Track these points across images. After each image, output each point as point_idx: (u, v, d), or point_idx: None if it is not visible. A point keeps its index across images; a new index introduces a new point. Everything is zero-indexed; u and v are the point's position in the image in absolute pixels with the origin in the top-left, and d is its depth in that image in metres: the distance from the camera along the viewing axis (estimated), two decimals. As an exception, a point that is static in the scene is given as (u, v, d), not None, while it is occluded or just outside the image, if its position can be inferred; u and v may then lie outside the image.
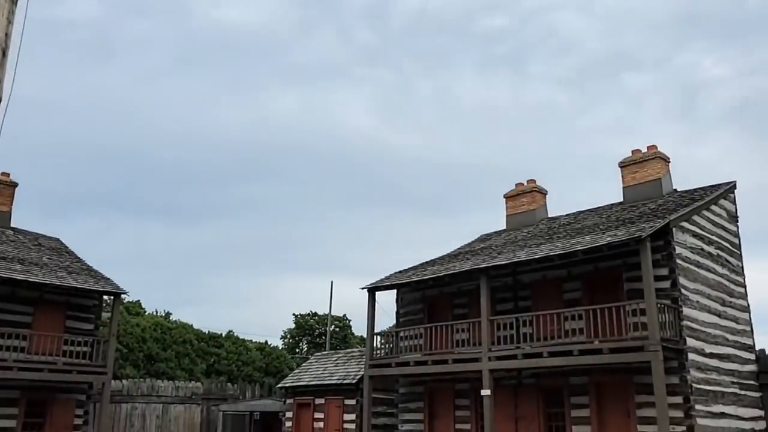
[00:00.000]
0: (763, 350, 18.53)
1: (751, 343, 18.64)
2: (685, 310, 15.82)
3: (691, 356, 15.51)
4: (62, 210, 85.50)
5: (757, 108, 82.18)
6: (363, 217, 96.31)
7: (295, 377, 25.11)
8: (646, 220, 16.94)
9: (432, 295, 21.41)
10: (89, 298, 21.43)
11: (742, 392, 17.31)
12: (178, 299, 78.93)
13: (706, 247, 17.77)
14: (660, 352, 14.32)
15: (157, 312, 39.92)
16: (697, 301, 16.52)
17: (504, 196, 24.69)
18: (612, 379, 16.54)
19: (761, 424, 17.70)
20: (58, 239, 24.77)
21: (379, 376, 20.41)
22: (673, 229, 16.21)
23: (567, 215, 22.83)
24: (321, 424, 22.88)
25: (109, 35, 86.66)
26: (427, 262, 22.62)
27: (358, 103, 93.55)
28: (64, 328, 20.53)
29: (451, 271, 18.94)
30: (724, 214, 19.30)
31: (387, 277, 21.77)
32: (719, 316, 17.38)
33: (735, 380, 17.17)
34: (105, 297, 22.44)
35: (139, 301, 39.36)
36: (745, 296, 19.16)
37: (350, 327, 51.58)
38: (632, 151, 20.95)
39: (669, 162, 20.77)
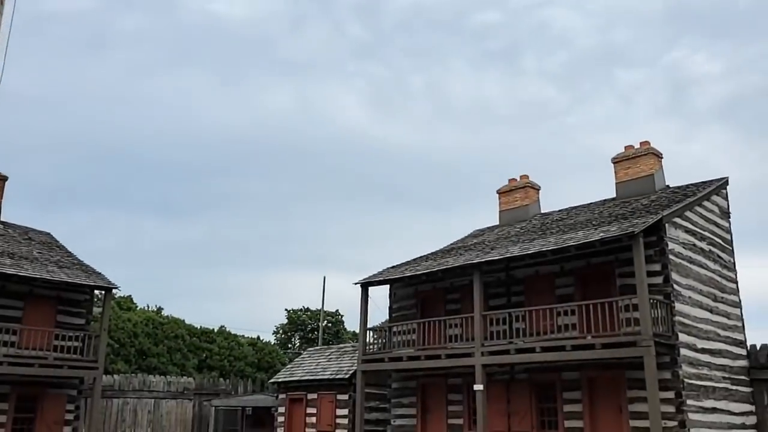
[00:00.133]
0: (754, 346, 18.62)
1: (743, 339, 18.73)
2: (678, 306, 15.87)
3: (683, 351, 15.57)
4: (53, 205, 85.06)
5: (748, 104, 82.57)
6: (355, 212, 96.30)
7: (288, 372, 25.08)
8: (638, 216, 16.98)
9: (425, 291, 21.42)
10: (80, 292, 21.30)
11: (734, 387, 17.40)
12: (169, 294, 78.79)
13: (698, 242, 17.83)
14: (652, 348, 14.36)
15: (148, 307, 39.77)
16: (689, 297, 16.58)
17: (497, 192, 24.71)
18: (604, 374, 16.59)
19: (752, 419, 17.81)
20: (48, 233, 24.61)
21: (372, 371, 20.41)
22: (666, 224, 16.25)
23: (560, 211, 22.87)
24: (313, 419, 22.88)
25: (100, 29, 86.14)
26: (420, 258, 22.61)
27: (351, 99, 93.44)
28: (54, 323, 20.40)
29: (444, 267, 18.94)
30: (716, 210, 19.37)
31: (380, 272, 21.75)
32: (711, 311, 17.46)
33: (726, 375, 17.26)
34: (96, 292, 22.31)
35: (130, 296, 39.20)
36: (736, 292, 19.26)
37: (343, 322, 51.59)
38: (625, 147, 21.00)
39: (662, 158, 20.84)
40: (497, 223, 24.51)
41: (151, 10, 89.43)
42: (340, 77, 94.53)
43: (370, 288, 21.19)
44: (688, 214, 17.60)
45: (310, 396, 23.20)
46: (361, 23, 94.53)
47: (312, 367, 24.21)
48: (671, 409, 14.99)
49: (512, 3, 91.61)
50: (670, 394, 15.09)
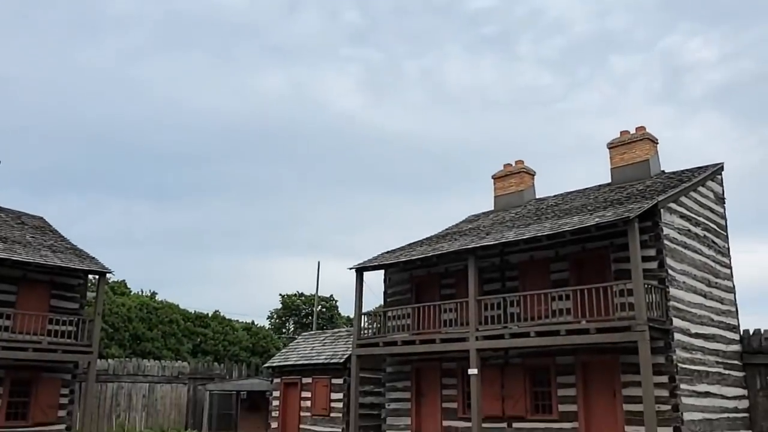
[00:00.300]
0: (747, 331, 18.73)
1: (736, 324, 18.84)
2: (672, 291, 15.92)
3: (677, 336, 15.64)
4: (46, 189, 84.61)
5: (743, 91, 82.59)
6: (349, 197, 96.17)
7: (283, 357, 25.11)
8: (634, 201, 16.98)
9: (420, 276, 21.43)
10: (74, 277, 21.22)
11: (727, 372, 17.52)
12: (163, 279, 78.72)
13: (693, 228, 17.86)
14: (647, 332, 14.41)
15: (142, 292, 39.68)
16: (684, 282, 16.63)
17: (492, 177, 24.68)
18: (598, 359, 16.66)
19: (744, 403, 17.95)
20: (41, 218, 24.47)
21: (367, 355, 20.45)
22: (661, 210, 16.26)
23: (555, 196, 22.86)
24: (308, 403, 22.93)
25: (92, 13, 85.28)
26: (414, 243, 22.61)
27: (346, 84, 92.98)
28: (48, 308, 20.34)
29: (439, 252, 18.93)
30: (711, 195, 19.40)
31: (375, 258, 21.74)
32: (705, 296, 17.52)
33: (719, 360, 17.36)
34: (90, 276, 22.23)
35: (124, 281, 39.12)
36: (730, 277, 19.33)
37: (337, 307, 51.66)
38: (621, 132, 20.97)
39: (657, 143, 20.82)
40: (492, 208, 24.50)
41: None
42: (336, 62, 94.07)
43: (365, 273, 21.19)
44: (683, 199, 17.62)
45: (305, 380, 23.25)
46: (356, 8, 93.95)
47: (307, 352, 24.25)
48: (665, 393, 15.08)
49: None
50: (664, 379, 15.17)
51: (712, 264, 18.43)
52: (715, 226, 19.17)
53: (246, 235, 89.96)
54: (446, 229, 24.16)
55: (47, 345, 18.92)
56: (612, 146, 21.08)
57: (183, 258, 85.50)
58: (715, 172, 19.62)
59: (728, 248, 19.66)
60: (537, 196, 23.86)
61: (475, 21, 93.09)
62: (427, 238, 22.91)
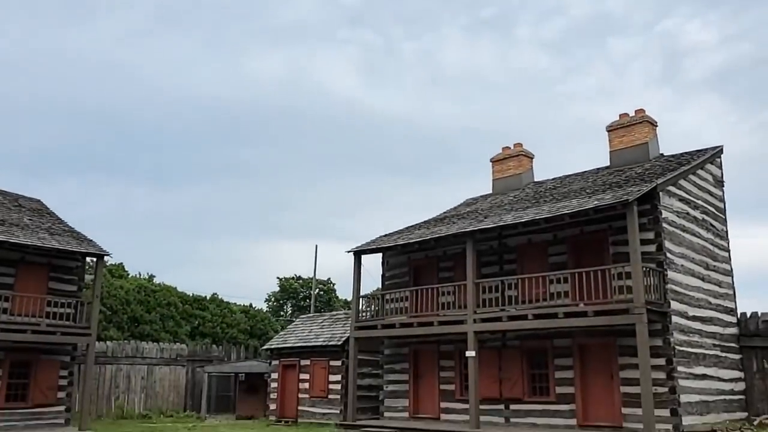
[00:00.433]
0: (744, 314, 18.82)
1: (733, 307, 18.92)
2: (670, 274, 15.95)
3: (675, 319, 15.69)
4: (42, 172, 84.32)
5: (742, 74, 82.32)
6: (347, 181, 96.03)
7: (281, 339, 25.18)
8: (633, 184, 16.96)
9: (418, 259, 21.44)
10: (72, 259, 21.19)
11: (723, 354, 17.61)
12: (161, 262, 78.71)
13: (691, 211, 17.86)
14: (644, 315, 14.46)
15: (140, 275, 39.66)
16: (682, 265, 16.66)
17: (491, 160, 24.61)
18: (596, 341, 16.72)
19: (740, 385, 18.06)
20: (38, 200, 24.38)
21: (365, 337, 20.52)
22: (660, 193, 16.25)
23: (553, 179, 22.83)
24: (306, 385, 23.02)
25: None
26: (413, 226, 22.60)
27: (342, 66, 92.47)
28: (47, 290, 20.32)
29: (437, 235, 18.93)
30: (710, 178, 19.38)
31: (373, 241, 21.74)
32: (703, 279, 17.57)
33: (717, 342, 17.45)
34: (88, 259, 22.19)
35: (122, 263, 39.03)
36: (728, 260, 19.38)
37: (334, 291, 51.75)
38: (620, 115, 20.91)
39: (656, 126, 20.77)
40: (491, 191, 24.46)
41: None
42: (332, 44, 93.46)
43: (363, 256, 21.20)
44: (682, 182, 17.60)
45: (303, 362, 23.33)
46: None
47: (305, 334, 24.31)
48: (662, 375, 15.16)
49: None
50: (661, 361, 15.25)
51: (711, 247, 18.46)
52: (713, 210, 19.18)
53: (243, 219, 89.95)
54: (444, 213, 24.14)
55: (46, 327, 18.92)
56: (611, 129, 21.02)
57: (180, 241, 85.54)
58: (714, 155, 19.58)
59: (726, 232, 19.69)
60: (535, 180, 23.82)
61: (474, 3, 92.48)
62: (425, 222, 22.90)
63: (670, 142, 49.17)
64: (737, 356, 18.30)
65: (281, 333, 26.74)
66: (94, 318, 20.00)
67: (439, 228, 20.26)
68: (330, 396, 22.21)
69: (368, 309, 21.29)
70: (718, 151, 19.79)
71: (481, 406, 17.59)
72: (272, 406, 24.00)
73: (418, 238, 19.42)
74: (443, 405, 19.57)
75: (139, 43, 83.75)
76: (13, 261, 19.82)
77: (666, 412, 14.90)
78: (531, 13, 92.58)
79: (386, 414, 20.90)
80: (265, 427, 21.40)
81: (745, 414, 17.65)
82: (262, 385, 25.91)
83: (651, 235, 16.08)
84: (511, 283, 17.79)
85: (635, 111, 20.56)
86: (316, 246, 42.93)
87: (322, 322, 25.01)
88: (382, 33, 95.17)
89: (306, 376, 23.12)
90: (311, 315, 29.09)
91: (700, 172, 18.78)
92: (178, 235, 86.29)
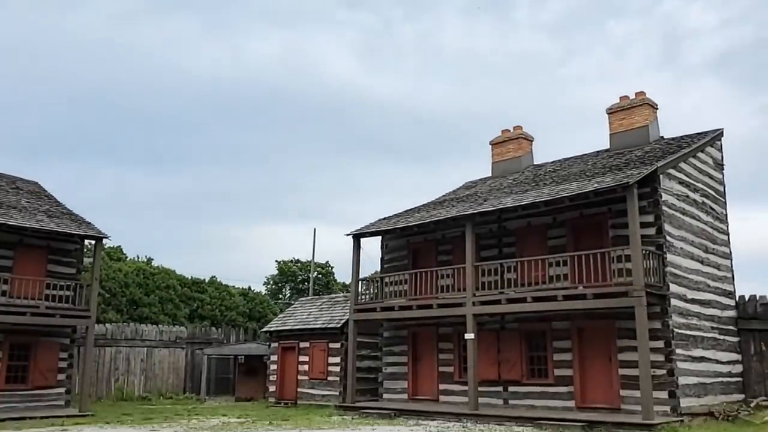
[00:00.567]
0: (743, 297, 18.88)
1: (732, 290, 18.96)
2: (669, 257, 15.96)
3: (674, 302, 15.73)
4: (38, 155, 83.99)
5: (742, 57, 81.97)
6: (345, 164, 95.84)
7: (280, 321, 25.24)
8: (633, 167, 16.92)
9: (417, 242, 21.44)
10: (70, 242, 21.17)
11: (721, 337, 17.68)
12: (159, 245, 78.57)
13: (691, 194, 17.84)
14: (644, 298, 14.50)
15: (138, 258, 39.67)
16: (681, 248, 16.67)
17: (490, 143, 24.54)
18: (594, 324, 16.77)
19: (738, 368, 18.16)
20: (36, 183, 24.29)
21: (364, 320, 20.57)
22: (660, 176, 16.22)
23: (553, 162, 22.78)
24: (306, 367, 23.12)
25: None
26: (412, 209, 22.58)
27: (340, 49, 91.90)
28: (45, 272, 20.31)
29: (437, 218, 18.91)
30: (710, 161, 19.34)
31: (372, 224, 21.73)
32: (702, 262, 17.59)
33: (715, 325, 17.51)
34: (86, 241, 22.16)
35: (120, 246, 39.04)
36: (727, 243, 19.40)
37: (333, 274, 51.78)
38: (620, 98, 20.83)
39: (657, 109, 20.70)
40: (490, 174, 24.42)
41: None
42: (329, 26, 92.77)
43: (362, 239, 21.20)
44: (682, 165, 17.56)
45: (303, 344, 23.40)
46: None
47: (304, 317, 24.37)
48: (660, 358, 15.22)
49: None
50: (660, 344, 15.31)
51: (710, 230, 18.47)
52: (713, 193, 19.17)
53: (241, 202, 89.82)
54: (443, 196, 24.11)
55: (45, 309, 18.93)
56: (611, 112, 20.95)
57: (178, 224, 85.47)
58: (714, 137, 19.53)
59: (726, 215, 19.68)
60: (535, 162, 23.77)
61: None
62: (424, 205, 22.88)
63: (670, 125, 49.14)
64: (735, 339, 18.38)
65: (280, 315, 26.80)
66: (93, 300, 20.00)
67: (438, 211, 20.25)
68: (329, 378, 22.31)
69: (367, 292, 21.34)
70: (718, 134, 19.74)
71: (480, 388, 17.68)
72: (271, 388, 24.12)
73: (417, 222, 19.41)
74: (442, 387, 19.67)
75: (135, 24, 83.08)
76: (12, 243, 19.79)
77: (664, 394, 14.99)
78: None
79: (385, 396, 21.01)
80: (264, 409, 21.50)
81: (742, 396, 17.75)
82: (261, 367, 26.02)
83: (651, 218, 16.08)
84: (511, 265, 17.81)
85: (635, 94, 20.47)
86: (315, 229, 43.08)
87: (321, 305, 25.07)
88: (381, 15, 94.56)
89: (305, 359, 23.21)
90: (310, 298, 29.16)
91: (700, 155, 18.74)
92: (175, 219, 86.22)
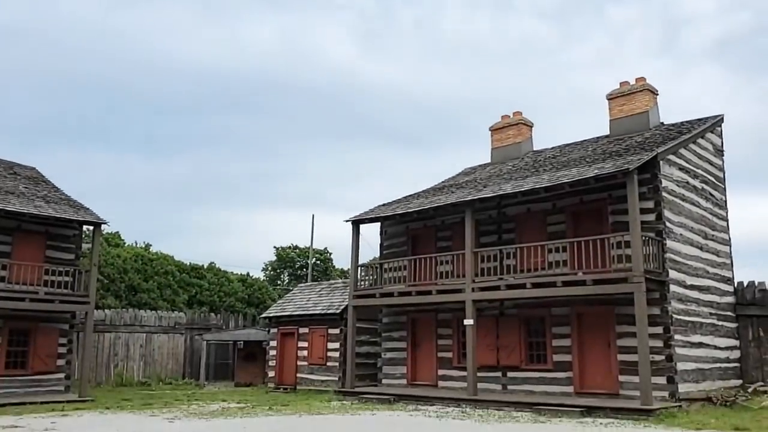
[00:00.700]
0: (741, 283, 18.91)
1: (730, 276, 18.99)
2: (669, 243, 15.97)
3: (673, 288, 15.75)
4: (35, 141, 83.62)
5: (741, 43, 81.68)
6: (344, 151, 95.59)
7: (279, 307, 25.27)
8: (633, 153, 16.88)
9: (416, 228, 21.42)
10: (69, 228, 21.10)
11: (720, 323, 17.73)
12: (157, 232, 78.57)
13: (691, 180, 17.82)
14: (643, 284, 14.51)
15: (136, 243, 39.62)
16: (681, 234, 16.67)
17: (490, 129, 24.47)
18: (594, 310, 16.80)
19: (736, 353, 18.23)
20: (34, 168, 24.20)
21: (363, 306, 20.59)
22: (660, 162, 16.18)
23: (553, 148, 22.72)
24: (305, 353, 23.18)
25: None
26: (411, 196, 22.54)
27: (339, 33, 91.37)
28: (44, 258, 20.28)
29: (436, 204, 18.88)
30: (710, 147, 19.30)
31: (371, 210, 21.70)
32: (701, 249, 17.61)
33: (713, 311, 17.56)
34: (85, 227, 22.10)
35: (118, 232, 38.99)
36: (726, 230, 19.41)
37: (331, 260, 51.81)
38: (620, 84, 20.75)
39: (657, 94, 20.62)
40: (489, 160, 24.36)
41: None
42: (328, 10, 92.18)
43: (361, 226, 21.17)
44: (682, 151, 17.52)
45: (302, 330, 23.46)
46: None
47: (303, 303, 24.40)
48: (659, 344, 15.27)
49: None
50: (659, 330, 15.35)
51: (709, 216, 18.46)
52: (713, 179, 19.14)
53: (239, 188, 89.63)
54: (443, 182, 24.07)
55: (44, 295, 18.91)
56: (611, 97, 20.87)
57: (176, 210, 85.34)
58: (714, 124, 19.48)
59: (725, 201, 19.68)
60: (535, 148, 23.71)
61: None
62: (423, 191, 22.84)
63: (670, 111, 48.92)
64: (733, 325, 18.44)
65: (280, 301, 26.83)
66: (92, 286, 19.99)
67: (437, 197, 20.21)
68: (328, 363, 22.38)
69: (367, 278, 21.35)
70: (718, 120, 19.68)
71: (479, 374, 17.74)
72: (271, 374, 24.19)
73: (417, 208, 19.38)
74: (441, 372, 19.73)
75: (133, 8, 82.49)
76: (10, 229, 19.73)
77: (662, 380, 15.05)
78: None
79: (384, 381, 21.08)
80: (264, 394, 21.57)
81: (740, 381, 17.84)
82: (261, 352, 26.09)
83: (651, 204, 16.06)
84: (510, 252, 17.82)
85: (636, 79, 20.39)
86: (313, 215, 42.98)
87: (320, 291, 25.10)
88: (380, 0, 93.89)
89: (305, 344, 23.27)
90: (310, 284, 29.18)
91: (700, 141, 18.69)
92: (173, 205, 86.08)
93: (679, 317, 15.75)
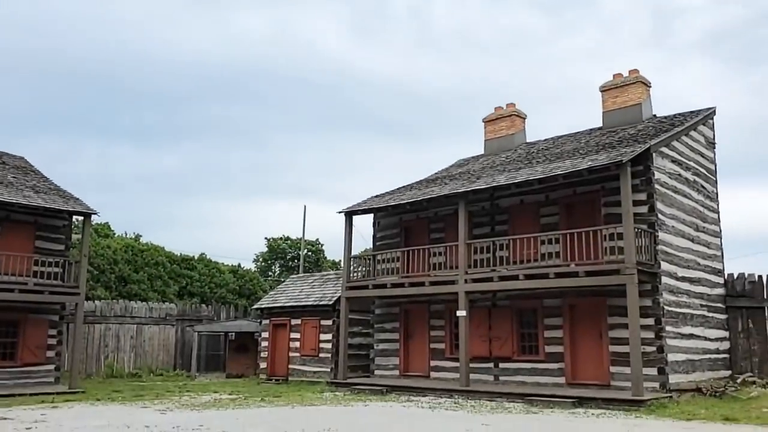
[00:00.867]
0: (731, 275, 19.02)
1: (721, 268, 19.09)
2: (661, 235, 16.02)
3: (664, 280, 15.82)
4: (22, 131, 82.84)
5: (732, 36, 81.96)
6: (336, 142, 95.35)
7: (271, 299, 25.20)
8: (626, 145, 16.90)
9: (409, 220, 21.40)
10: (58, 218, 20.92)
11: (710, 314, 17.83)
12: (147, 222, 78.20)
13: (683, 172, 17.87)
14: (635, 276, 14.56)
15: (126, 234, 39.38)
16: (673, 227, 16.73)
17: (483, 120, 24.44)
18: (585, 301, 16.85)
19: (725, 345, 18.35)
20: (22, 158, 23.97)
21: (356, 297, 20.57)
22: (653, 154, 16.21)
23: (546, 140, 22.73)
24: (297, 344, 23.15)
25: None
26: (404, 187, 22.50)
27: (331, 24, 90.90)
28: (33, 249, 20.10)
29: (429, 196, 18.85)
30: (702, 140, 19.35)
31: (364, 201, 21.65)
32: (692, 241, 17.68)
33: (704, 303, 17.65)
34: (74, 218, 21.91)
35: (107, 223, 38.73)
36: (717, 222, 19.50)
37: (323, 251, 51.71)
38: (613, 75, 20.76)
39: (650, 87, 20.64)
40: (482, 152, 24.34)
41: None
42: (321, 1, 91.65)
43: (353, 217, 21.12)
44: (675, 143, 17.56)
45: (294, 321, 23.41)
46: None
47: (296, 294, 24.34)
48: (650, 335, 15.34)
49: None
50: (650, 321, 15.41)
51: (701, 209, 18.53)
52: (705, 171, 19.21)
53: (230, 179, 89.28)
54: (436, 174, 24.03)
55: (33, 286, 18.76)
56: (604, 89, 20.89)
57: (166, 201, 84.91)
58: (707, 116, 19.53)
59: (717, 193, 19.76)
60: (528, 140, 23.71)
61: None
62: (416, 183, 22.80)
63: (662, 103, 49.08)
64: (723, 316, 18.55)
65: (271, 292, 26.76)
66: (82, 277, 19.84)
67: (430, 189, 20.18)
68: (321, 355, 22.36)
69: (359, 269, 21.31)
70: (711, 113, 19.74)
71: (471, 365, 17.77)
72: (263, 365, 24.15)
73: (410, 199, 19.34)
74: (433, 363, 19.76)
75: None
76: (-1, 219, 19.54)
77: (653, 371, 15.12)
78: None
79: (377, 372, 21.10)
80: (255, 386, 21.54)
81: (729, 372, 17.97)
82: (252, 344, 26.04)
83: (643, 197, 16.09)
84: (503, 243, 17.83)
85: (629, 71, 20.40)
86: (305, 206, 42.74)
87: (312, 282, 25.05)
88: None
89: (297, 335, 23.24)
90: (302, 275, 29.13)
91: (692, 133, 18.73)
92: (163, 195, 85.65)
93: (670, 309, 15.83)
